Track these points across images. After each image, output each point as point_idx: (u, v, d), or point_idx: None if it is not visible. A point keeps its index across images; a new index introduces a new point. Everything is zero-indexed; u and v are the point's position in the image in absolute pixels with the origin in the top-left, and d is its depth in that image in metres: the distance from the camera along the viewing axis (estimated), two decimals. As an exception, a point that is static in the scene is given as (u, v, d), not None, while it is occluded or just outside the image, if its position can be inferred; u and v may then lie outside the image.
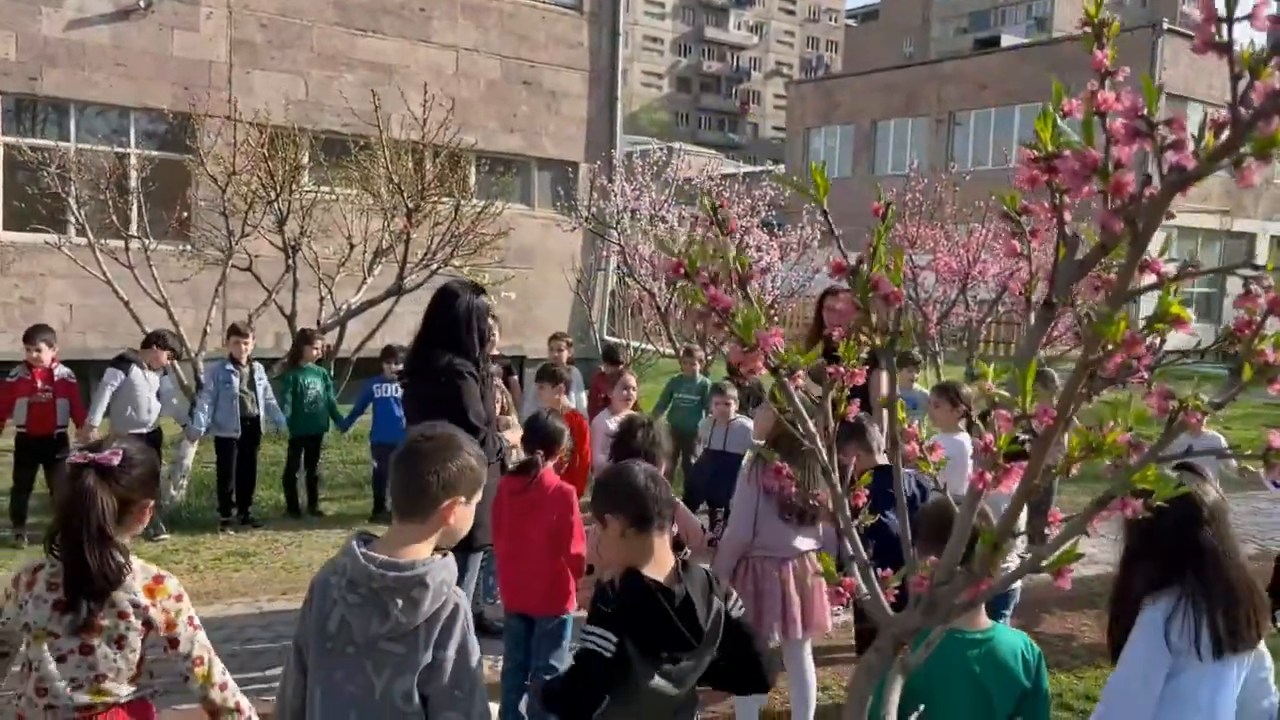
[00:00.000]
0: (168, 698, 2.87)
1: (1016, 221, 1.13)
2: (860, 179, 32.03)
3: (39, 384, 6.88)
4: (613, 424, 5.33)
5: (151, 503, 2.56)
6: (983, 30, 71.86)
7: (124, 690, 2.46)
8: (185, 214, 9.76)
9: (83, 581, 2.38)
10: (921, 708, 1.98)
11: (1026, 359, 1.02)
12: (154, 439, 7.34)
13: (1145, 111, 0.88)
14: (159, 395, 7.29)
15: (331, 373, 8.77)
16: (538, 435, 4.09)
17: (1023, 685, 2.39)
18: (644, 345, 12.51)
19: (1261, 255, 28.25)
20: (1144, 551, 2.34)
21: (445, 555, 2.26)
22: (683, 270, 1.30)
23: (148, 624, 2.47)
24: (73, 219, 9.40)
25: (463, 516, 2.30)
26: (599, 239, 11.99)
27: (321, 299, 10.10)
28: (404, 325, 10.35)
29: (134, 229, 9.32)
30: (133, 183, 10.33)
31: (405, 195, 8.42)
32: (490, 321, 4.52)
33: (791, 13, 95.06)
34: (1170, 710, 2.30)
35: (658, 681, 2.41)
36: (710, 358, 8.94)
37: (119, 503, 2.43)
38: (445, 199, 8.88)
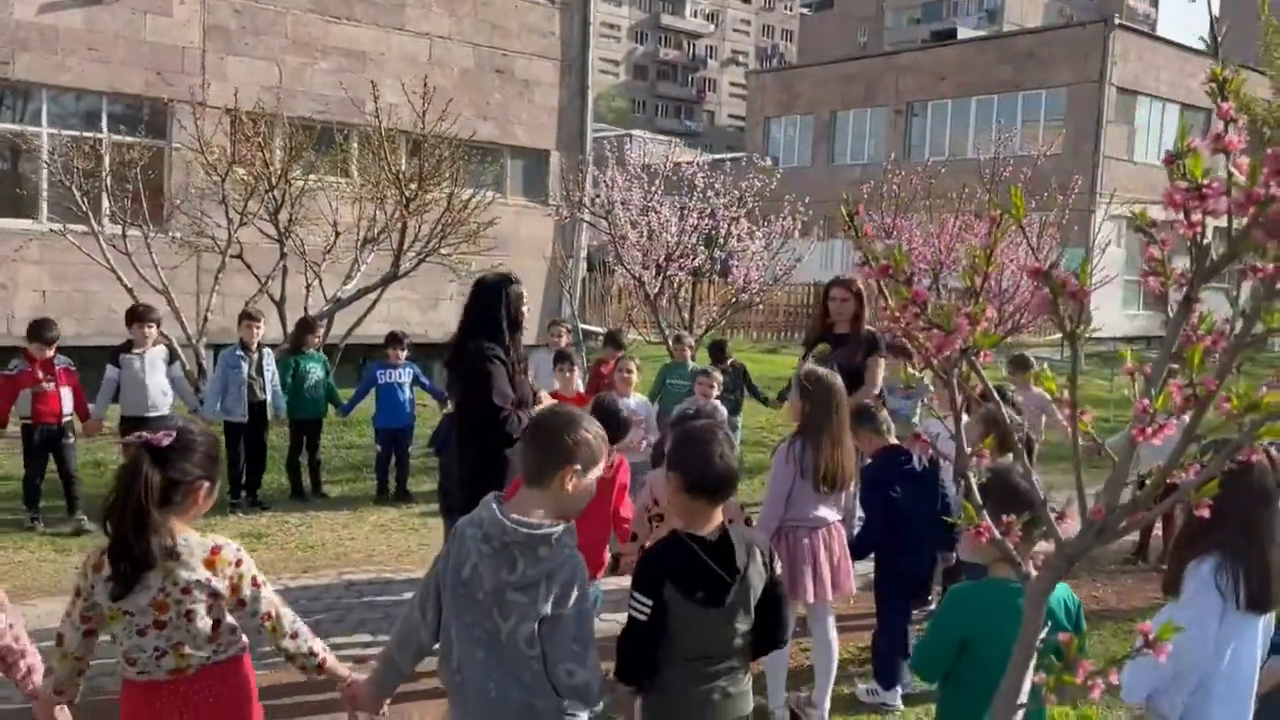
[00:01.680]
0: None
1: (1149, 233, 1.39)
2: (820, 168, 32.51)
3: (41, 375, 6.93)
4: (622, 404, 5.55)
5: (208, 484, 2.64)
6: (935, 20, 72.83)
7: (205, 653, 2.61)
8: (178, 202, 9.76)
9: (122, 556, 2.49)
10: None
11: (1172, 341, 1.30)
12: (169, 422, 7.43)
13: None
14: (172, 382, 7.38)
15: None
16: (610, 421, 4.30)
17: (1066, 629, 2.70)
18: (598, 332, 12.72)
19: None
20: (1214, 517, 2.69)
21: (570, 523, 2.53)
22: (889, 270, 1.54)
23: (214, 595, 2.59)
24: (74, 208, 9.36)
25: (580, 486, 2.56)
26: (571, 227, 12.20)
27: (309, 285, 10.19)
28: (390, 311, 10.52)
29: (113, 216, 9.32)
30: (106, 168, 10.31)
31: (403, 185, 8.55)
32: (523, 310, 4.74)
33: (747, 1, 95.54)
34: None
35: (702, 617, 2.68)
36: (695, 345, 9.21)
37: (169, 483, 2.51)
38: (440, 188, 9.02)
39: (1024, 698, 1.65)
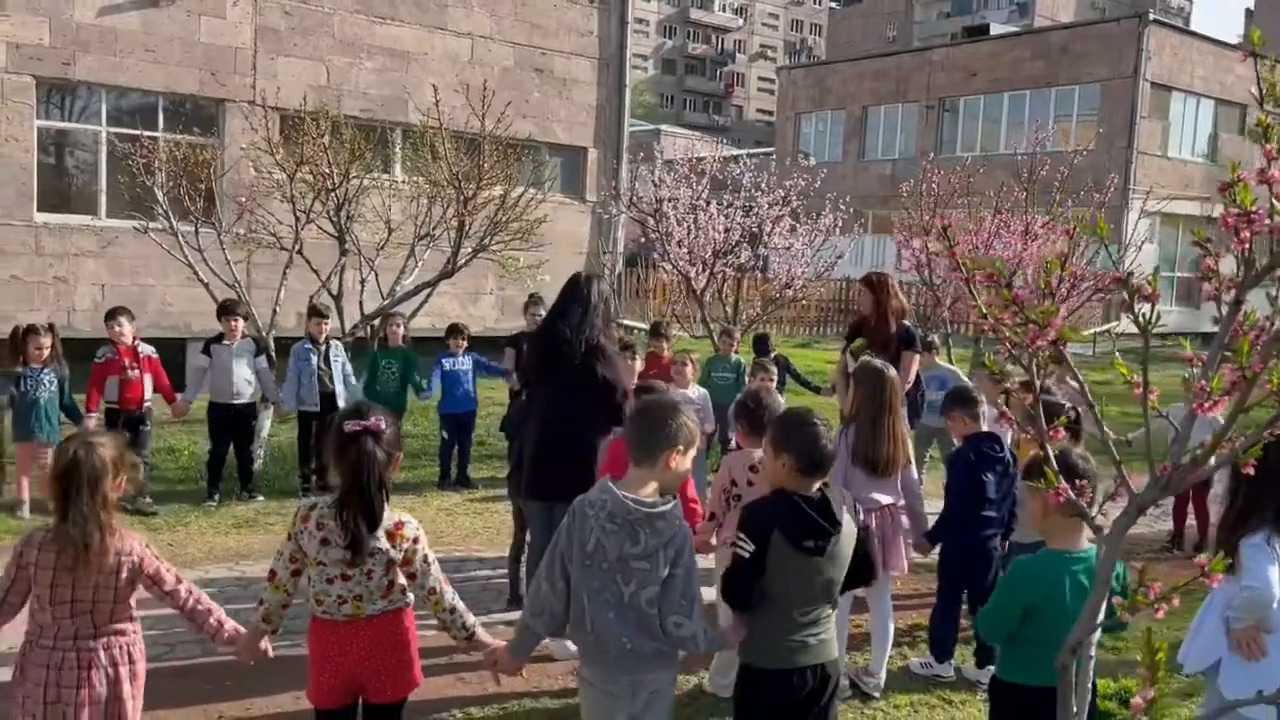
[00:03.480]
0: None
1: (1205, 247, 1.67)
2: (851, 164, 32.64)
3: (126, 362, 7.35)
4: (679, 395, 5.85)
5: (400, 455, 3.12)
6: (964, 14, 72.47)
7: (378, 604, 3.08)
8: (243, 200, 10.13)
9: (369, 523, 2.97)
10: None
11: (1224, 335, 1.59)
12: (248, 412, 7.85)
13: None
14: (258, 374, 7.83)
15: (375, 348, 9.23)
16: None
17: (1116, 592, 2.97)
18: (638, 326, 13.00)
19: (1240, 241, 29.08)
20: (1260, 497, 3.01)
21: (674, 498, 2.94)
22: (994, 278, 1.83)
23: (389, 562, 3.06)
24: (157, 207, 9.75)
25: (680, 464, 2.99)
26: (609, 223, 12.47)
27: (363, 280, 10.54)
28: (431, 306, 10.82)
29: (187, 214, 9.69)
30: (158, 166, 10.65)
31: (461, 183, 8.89)
32: (611, 305, 5.07)
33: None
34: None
35: (809, 561, 3.05)
36: (740, 339, 9.51)
37: (386, 457, 3.00)
38: (494, 186, 9.35)
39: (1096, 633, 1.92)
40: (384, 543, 3.02)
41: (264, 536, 6.95)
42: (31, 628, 3.05)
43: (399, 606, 3.13)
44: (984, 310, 1.91)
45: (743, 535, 3.07)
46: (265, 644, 3.22)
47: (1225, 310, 1.60)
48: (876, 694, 4.74)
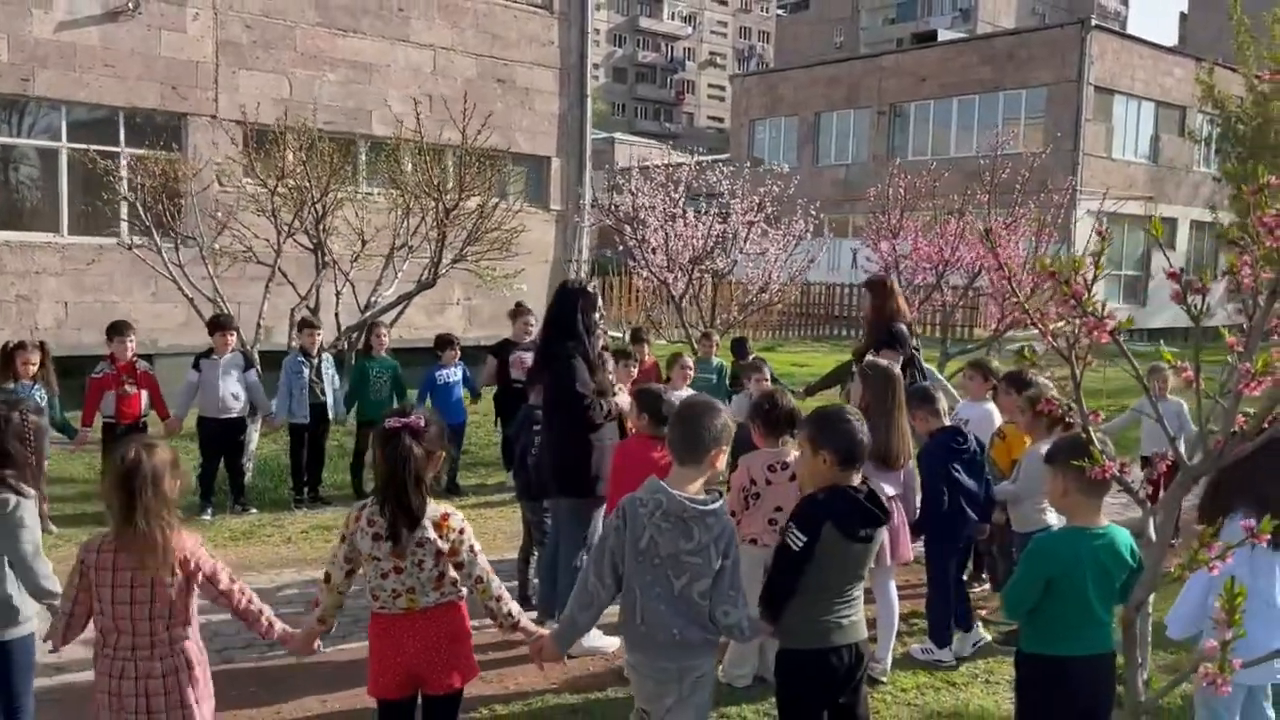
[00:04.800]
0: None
1: (1240, 245, 1.86)
2: (806, 169, 33.08)
3: (124, 378, 7.35)
4: (675, 398, 5.99)
5: (442, 453, 3.25)
6: (909, 20, 73.73)
7: (431, 597, 3.21)
8: (219, 214, 10.12)
9: (405, 517, 3.12)
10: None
11: (1261, 323, 1.78)
12: (238, 426, 7.84)
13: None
14: (249, 388, 7.83)
15: (352, 361, 9.25)
16: (655, 409, 4.79)
17: (1131, 566, 3.20)
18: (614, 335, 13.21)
19: (1182, 239, 29.97)
20: (1233, 471, 3.22)
21: (720, 495, 3.12)
22: (1054, 275, 2.00)
23: (438, 553, 3.19)
24: (136, 223, 9.70)
25: (721, 461, 3.17)
26: (573, 231, 12.62)
27: (338, 292, 10.57)
28: (399, 316, 10.85)
29: (165, 231, 9.64)
30: (139, 182, 10.60)
31: (443, 196, 8.98)
32: (596, 315, 5.22)
33: (724, 3, 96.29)
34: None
35: (854, 549, 3.23)
36: (719, 342, 9.70)
37: (425, 455, 3.14)
38: (473, 197, 9.45)
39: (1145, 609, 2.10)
40: (432, 534, 3.15)
41: (261, 548, 6.97)
42: (96, 636, 3.11)
43: (452, 599, 3.25)
44: (1025, 306, 2.09)
45: (795, 528, 3.21)
46: (317, 642, 3.36)
47: (1264, 301, 1.79)
48: (884, 678, 4.93)
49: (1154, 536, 2.13)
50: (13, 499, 3.44)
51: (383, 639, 3.21)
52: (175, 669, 3.07)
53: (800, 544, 3.17)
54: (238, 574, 6.23)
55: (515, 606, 3.35)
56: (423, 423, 3.15)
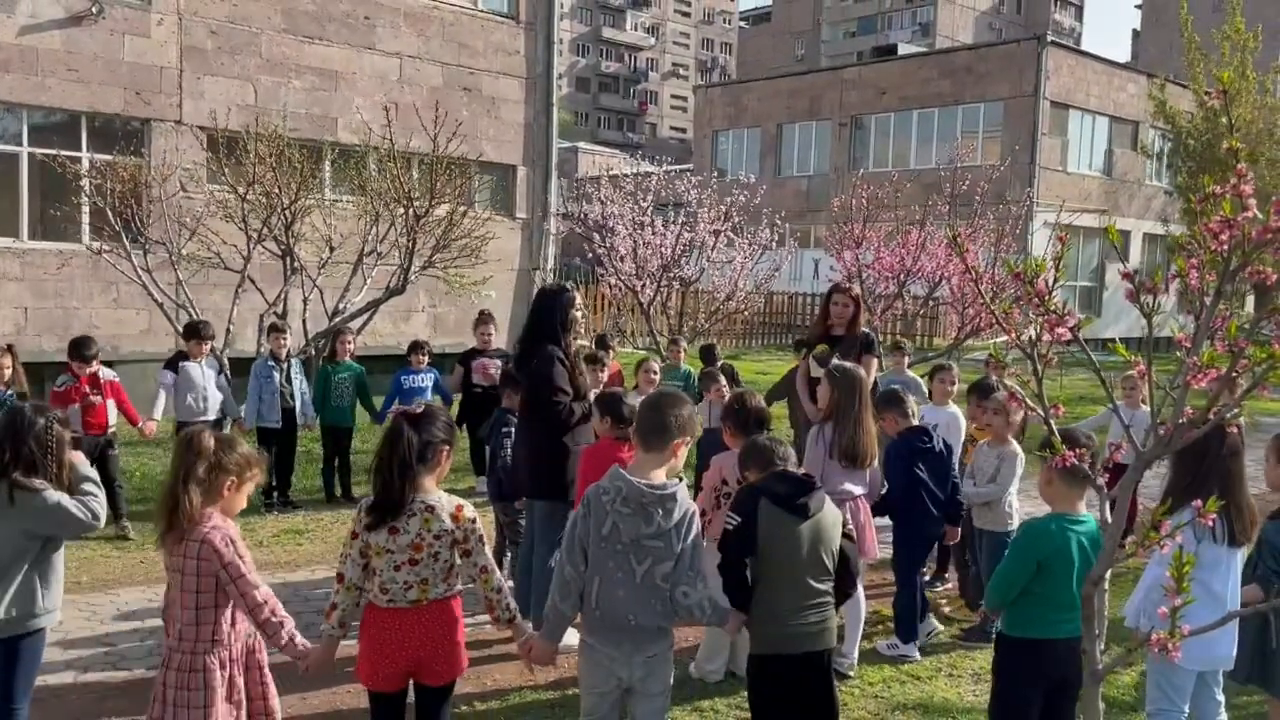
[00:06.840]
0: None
1: (1190, 249, 2.02)
2: (768, 180, 33.41)
3: (87, 389, 7.27)
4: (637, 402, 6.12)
5: (448, 448, 3.31)
6: (869, 33, 74.74)
7: (440, 589, 3.27)
8: (187, 220, 10.10)
9: (386, 501, 3.18)
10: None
11: (1208, 319, 1.93)
12: (216, 429, 7.79)
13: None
14: (219, 388, 7.79)
15: (324, 364, 9.24)
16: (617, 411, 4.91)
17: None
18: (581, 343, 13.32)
19: (1135, 251, 30.65)
20: (1195, 467, 3.40)
21: (681, 480, 3.24)
22: (1023, 278, 2.14)
23: (454, 543, 3.25)
24: (105, 229, 9.65)
25: (683, 453, 3.28)
26: (538, 239, 12.73)
27: (306, 299, 10.58)
28: (368, 324, 10.89)
29: (135, 237, 9.62)
30: (85, 187, 10.54)
31: (413, 203, 9.04)
32: (575, 314, 5.32)
33: (687, 15, 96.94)
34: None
35: (800, 528, 3.41)
36: (688, 349, 9.84)
37: (423, 444, 3.19)
38: (444, 205, 9.52)
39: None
40: (449, 524, 3.22)
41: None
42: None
43: (454, 593, 3.33)
44: (992, 308, 2.23)
45: (731, 512, 3.43)
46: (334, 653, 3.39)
47: (1209, 301, 1.95)
48: (850, 673, 5.07)
49: (1109, 518, 2.27)
50: (39, 485, 3.46)
51: (383, 633, 3.24)
52: (231, 660, 3.39)
53: (734, 523, 3.36)
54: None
55: (513, 601, 3.43)
56: (421, 410, 3.25)
